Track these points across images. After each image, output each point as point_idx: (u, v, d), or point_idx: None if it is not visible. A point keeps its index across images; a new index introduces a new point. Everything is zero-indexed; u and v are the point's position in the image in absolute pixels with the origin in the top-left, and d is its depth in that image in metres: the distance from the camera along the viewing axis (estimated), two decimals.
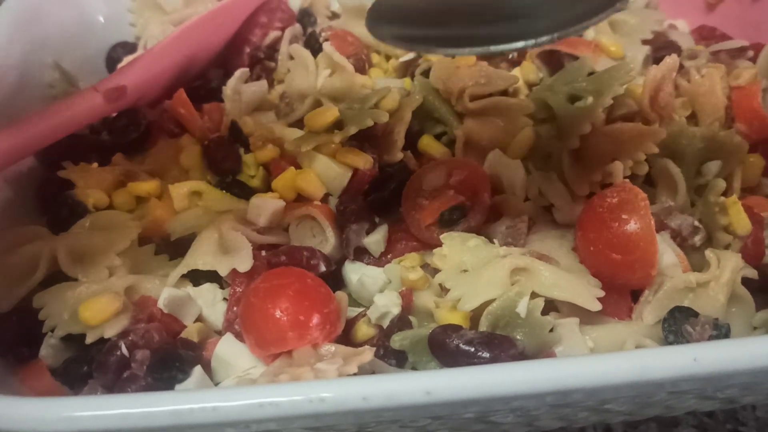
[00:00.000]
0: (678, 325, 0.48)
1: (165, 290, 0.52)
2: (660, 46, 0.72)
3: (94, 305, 0.48)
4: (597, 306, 0.48)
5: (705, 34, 0.77)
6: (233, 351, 0.49)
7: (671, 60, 0.63)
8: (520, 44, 0.42)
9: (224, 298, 0.53)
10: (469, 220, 0.54)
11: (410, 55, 0.70)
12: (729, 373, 0.39)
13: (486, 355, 0.44)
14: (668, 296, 0.50)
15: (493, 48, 0.43)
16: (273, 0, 0.75)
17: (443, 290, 0.51)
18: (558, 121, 0.60)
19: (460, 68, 0.63)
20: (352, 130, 0.57)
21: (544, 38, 0.42)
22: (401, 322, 0.50)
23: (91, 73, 0.73)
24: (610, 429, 0.58)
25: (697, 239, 0.54)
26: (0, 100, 0.61)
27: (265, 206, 0.55)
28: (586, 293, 0.49)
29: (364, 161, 0.57)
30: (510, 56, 0.72)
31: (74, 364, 0.49)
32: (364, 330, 0.51)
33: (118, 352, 0.47)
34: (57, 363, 0.50)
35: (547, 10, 0.45)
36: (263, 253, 0.52)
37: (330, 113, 0.58)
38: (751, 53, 0.70)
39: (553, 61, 0.68)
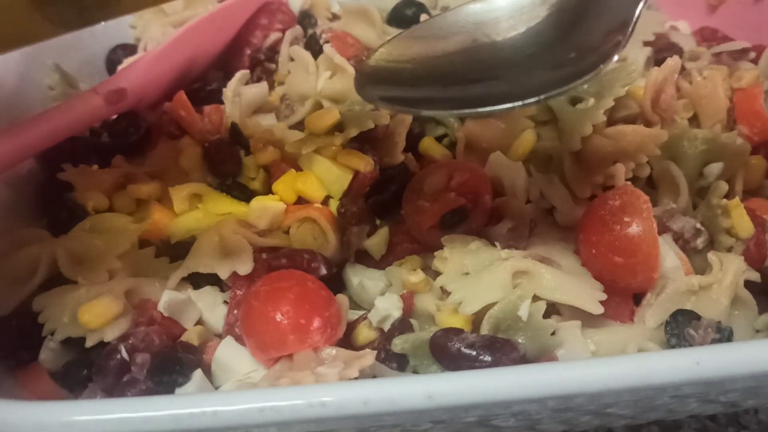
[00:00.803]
0: (680, 329, 0.48)
1: (165, 293, 0.51)
2: (661, 48, 0.71)
3: (94, 308, 0.48)
4: (599, 309, 0.48)
5: (706, 36, 0.77)
6: (234, 354, 0.48)
7: (673, 62, 0.62)
8: (507, 106, 0.42)
9: (224, 301, 0.53)
10: (470, 223, 0.54)
11: None
12: (732, 377, 0.39)
13: (488, 358, 0.44)
14: (670, 299, 0.50)
15: (480, 110, 0.43)
16: (273, 2, 0.75)
17: (444, 293, 0.51)
18: (559, 124, 0.60)
19: None
20: (353, 132, 0.57)
21: (531, 100, 0.42)
22: (402, 326, 0.49)
23: (90, 75, 0.73)
24: None
25: (700, 242, 0.54)
26: (0, 102, 0.61)
27: (266, 209, 0.54)
28: (588, 296, 0.49)
29: (364, 163, 0.57)
30: None
31: (74, 368, 0.49)
32: (365, 333, 0.50)
33: (118, 356, 0.47)
34: (57, 366, 0.50)
35: (531, 68, 0.46)
36: (264, 255, 0.52)
37: (331, 115, 0.58)
38: (752, 55, 0.70)
39: None
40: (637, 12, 0.43)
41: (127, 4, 0.50)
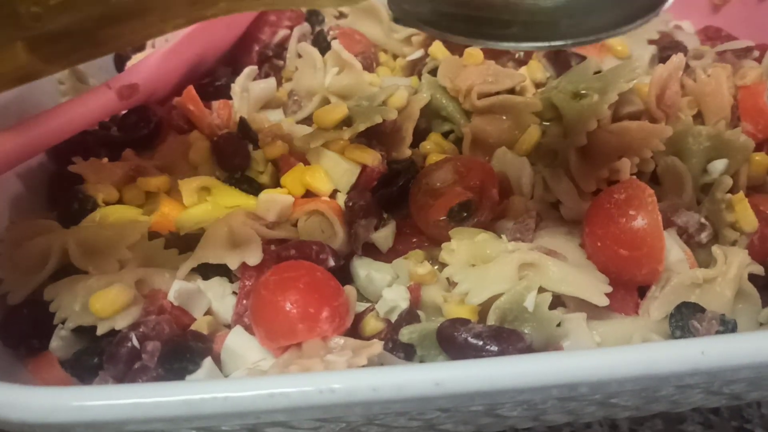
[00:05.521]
0: (685, 321, 0.48)
1: (175, 283, 0.52)
2: (666, 46, 0.72)
3: (105, 297, 0.48)
4: (604, 301, 0.48)
5: (710, 35, 0.78)
6: (243, 343, 0.49)
7: (678, 59, 0.63)
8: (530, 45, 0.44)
9: (233, 292, 0.53)
10: (477, 216, 0.54)
11: (418, 54, 0.70)
12: (736, 367, 0.39)
13: (494, 348, 0.44)
14: (675, 292, 0.51)
15: (504, 45, 0.44)
16: None
17: (451, 284, 0.51)
18: (564, 119, 0.60)
19: (467, 67, 0.63)
20: (361, 127, 0.57)
21: (558, 43, 0.43)
22: (409, 316, 0.50)
23: (99, 70, 0.74)
24: (615, 425, 0.58)
25: (704, 236, 0.54)
26: (11, 96, 0.62)
27: (274, 202, 0.55)
28: (594, 288, 0.49)
29: (372, 158, 0.58)
30: (517, 56, 0.72)
31: (85, 356, 0.49)
32: (372, 324, 0.51)
33: (129, 344, 0.47)
34: (67, 355, 0.50)
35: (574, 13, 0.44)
36: (272, 247, 0.53)
37: (338, 110, 0.59)
38: (756, 53, 0.70)
39: (560, 61, 0.69)
40: None
41: (115, 44, 0.52)
